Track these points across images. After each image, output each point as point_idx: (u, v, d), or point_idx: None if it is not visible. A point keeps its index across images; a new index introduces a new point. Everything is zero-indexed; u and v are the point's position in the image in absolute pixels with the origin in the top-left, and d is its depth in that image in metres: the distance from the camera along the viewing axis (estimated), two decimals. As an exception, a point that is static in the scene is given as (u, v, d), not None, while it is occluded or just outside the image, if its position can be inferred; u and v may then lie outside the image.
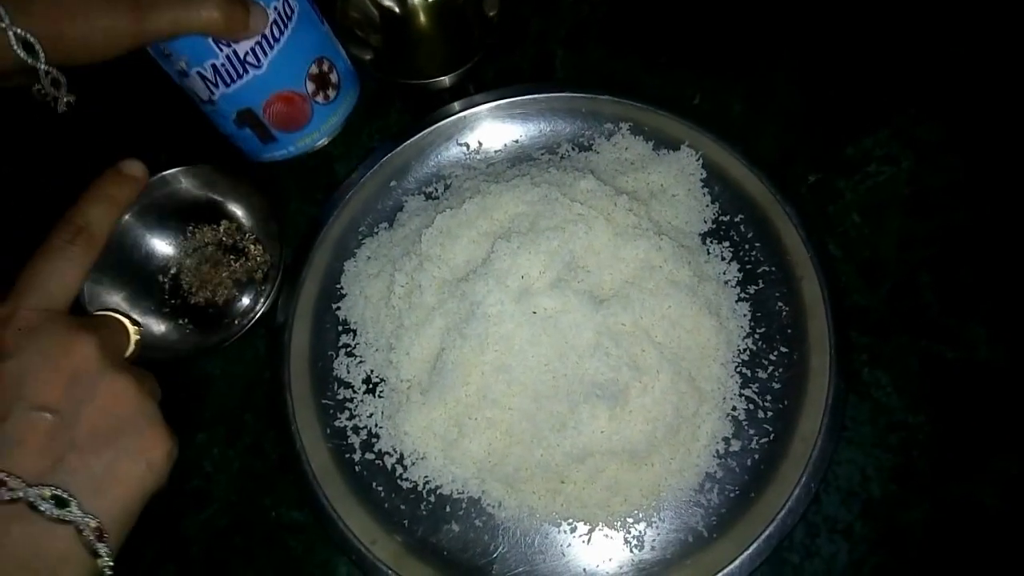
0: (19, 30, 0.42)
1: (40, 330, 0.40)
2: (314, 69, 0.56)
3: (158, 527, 0.56)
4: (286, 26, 0.53)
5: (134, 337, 0.46)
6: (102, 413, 0.40)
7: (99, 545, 0.38)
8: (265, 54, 0.52)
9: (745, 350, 0.55)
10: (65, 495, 0.37)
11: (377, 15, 0.63)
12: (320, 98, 0.57)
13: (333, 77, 0.58)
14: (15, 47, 0.43)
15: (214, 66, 0.51)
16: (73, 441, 0.38)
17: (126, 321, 0.46)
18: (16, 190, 0.68)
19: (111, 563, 0.38)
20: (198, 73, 0.51)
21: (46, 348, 0.39)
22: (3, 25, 0.42)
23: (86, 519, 0.37)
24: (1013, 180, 0.60)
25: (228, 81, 0.52)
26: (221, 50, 0.51)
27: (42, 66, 0.44)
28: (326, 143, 0.60)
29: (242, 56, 0.51)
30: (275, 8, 0.51)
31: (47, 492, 0.37)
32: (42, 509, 0.36)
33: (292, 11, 0.53)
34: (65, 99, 0.47)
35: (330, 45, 0.58)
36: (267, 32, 0.51)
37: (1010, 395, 0.54)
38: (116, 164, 0.47)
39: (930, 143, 0.61)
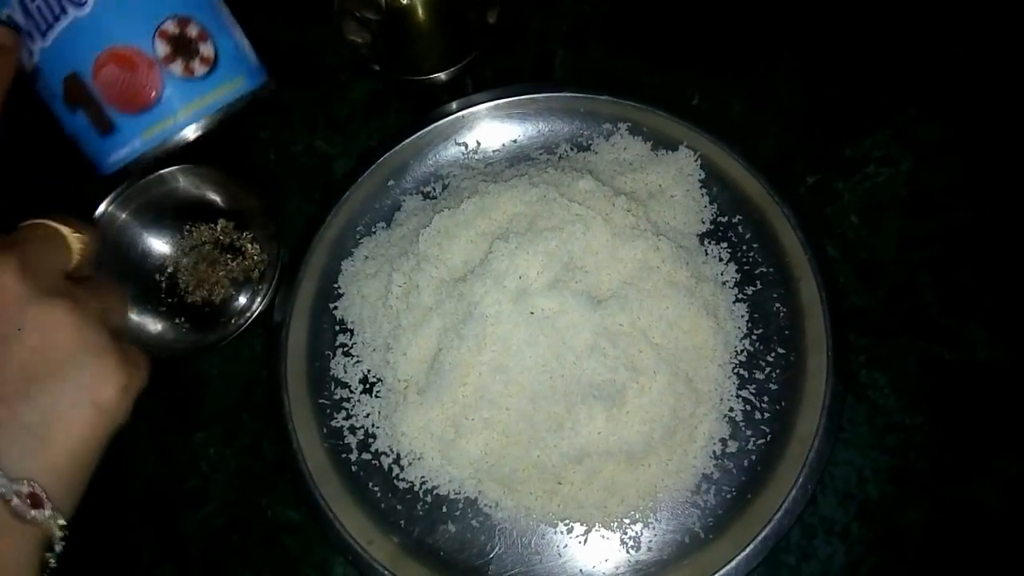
0: None
1: None
2: (170, 27, 0.42)
3: (155, 526, 0.56)
4: None
5: (75, 245, 0.37)
6: (31, 352, 0.33)
7: (33, 512, 0.32)
8: None
9: (743, 351, 0.55)
10: None
11: (383, 0, 0.63)
12: (177, 68, 0.42)
13: (205, 48, 0.44)
14: None
15: (23, 4, 0.39)
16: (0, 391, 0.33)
17: (62, 228, 0.37)
18: None
19: (61, 522, 0.34)
20: (8, 18, 0.39)
21: None
22: None
23: (13, 486, 0.32)
24: (1012, 181, 0.60)
25: (43, 27, 0.39)
26: None
27: None
28: (192, 137, 0.44)
29: None
30: None
31: None
32: None
33: None
34: None
35: (208, 9, 0.45)
36: None
37: (1009, 396, 0.54)
38: None
39: (929, 144, 0.61)
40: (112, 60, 0.41)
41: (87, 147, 0.45)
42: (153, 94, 0.43)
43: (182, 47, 0.43)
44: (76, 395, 0.34)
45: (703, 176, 0.60)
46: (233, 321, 0.58)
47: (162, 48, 0.42)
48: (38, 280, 0.34)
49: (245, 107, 0.45)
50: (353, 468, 0.54)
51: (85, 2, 0.39)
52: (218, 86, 0.45)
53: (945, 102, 0.63)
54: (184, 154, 0.58)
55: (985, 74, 0.63)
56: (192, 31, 0.43)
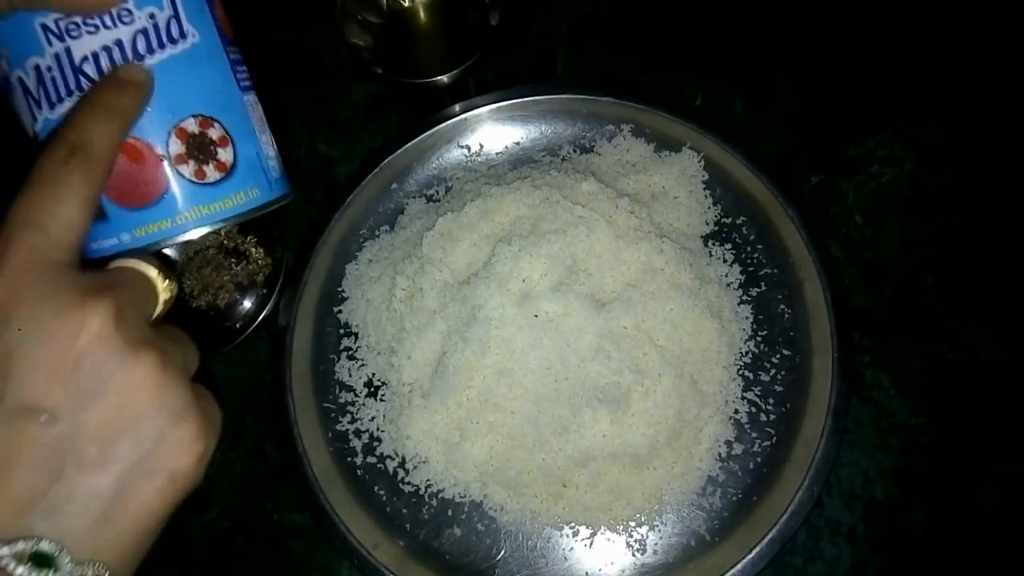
0: None
1: (33, 293, 0.29)
2: (190, 125, 0.38)
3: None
4: (161, 47, 0.37)
5: (163, 295, 0.34)
6: (113, 411, 0.30)
7: None
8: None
9: (747, 353, 0.55)
10: (52, 548, 0.28)
11: (385, 2, 0.63)
12: (188, 170, 0.38)
13: (223, 153, 0.40)
14: None
15: (38, 70, 0.36)
16: (75, 453, 0.29)
17: (151, 272, 0.34)
18: None
19: None
20: (19, 81, 0.36)
21: (41, 320, 0.29)
22: None
23: (79, 570, 0.28)
24: (1015, 181, 0.60)
25: (53, 99, 0.36)
26: (51, 43, 0.35)
27: None
28: (185, 240, 0.38)
29: (77, 61, 0.35)
30: (150, 13, 0.36)
31: (25, 548, 0.27)
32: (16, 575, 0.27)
33: (182, 35, 0.38)
34: None
35: (238, 114, 0.41)
36: (126, 39, 0.36)
37: (1012, 396, 0.54)
38: (113, 71, 0.36)
39: (932, 144, 0.61)
40: (120, 149, 0.36)
41: None
42: (155, 193, 0.38)
43: (198, 149, 0.39)
44: (153, 464, 0.31)
45: (706, 177, 0.59)
46: (238, 325, 0.58)
47: (176, 147, 0.38)
48: (131, 330, 0.31)
49: (256, 216, 0.41)
50: (358, 472, 0.54)
51: None
52: (229, 195, 0.40)
53: (947, 102, 0.63)
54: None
55: (987, 74, 0.63)
56: (213, 134, 0.39)
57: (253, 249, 0.61)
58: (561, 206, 0.54)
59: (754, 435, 0.53)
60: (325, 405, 0.56)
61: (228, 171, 0.40)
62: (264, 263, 0.60)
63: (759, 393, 0.54)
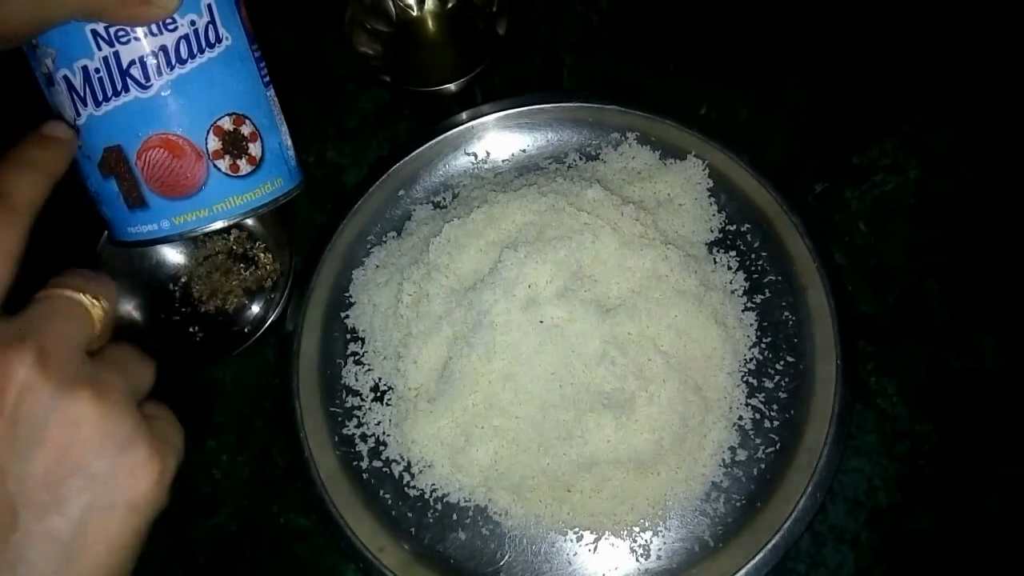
0: None
1: None
2: (226, 123, 0.41)
3: (166, 532, 0.56)
4: (201, 51, 0.40)
5: (97, 314, 0.33)
6: (56, 454, 0.29)
7: None
8: (159, 73, 0.38)
9: (751, 359, 0.55)
10: None
11: (393, 11, 0.63)
12: (224, 164, 0.42)
13: (254, 148, 0.43)
14: None
15: (85, 70, 0.38)
16: (27, 501, 0.29)
17: (83, 298, 0.33)
18: None
19: None
20: (65, 78, 0.38)
21: None
22: None
23: None
24: (1020, 188, 0.60)
25: (100, 98, 0.39)
26: (100, 47, 0.37)
27: None
28: (219, 228, 0.43)
29: (124, 64, 0.38)
30: (191, 20, 0.38)
31: None
32: None
33: (218, 39, 0.40)
34: None
35: (264, 109, 0.44)
36: (170, 45, 0.38)
37: (1017, 404, 0.54)
38: (39, 128, 0.37)
39: (937, 152, 0.61)
40: (161, 144, 0.40)
41: (109, 212, 0.43)
42: (194, 185, 0.42)
43: (232, 144, 0.42)
44: (109, 496, 0.30)
45: (711, 185, 0.60)
46: (246, 330, 0.59)
47: (213, 143, 0.41)
48: (59, 369, 0.30)
49: (278, 205, 0.45)
50: (364, 476, 0.55)
51: (150, 86, 0.39)
52: (258, 185, 0.44)
53: (952, 110, 0.63)
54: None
55: (992, 82, 0.64)
56: (245, 130, 0.43)
57: (262, 255, 0.62)
58: (567, 213, 0.54)
59: (758, 441, 0.53)
60: (332, 409, 0.57)
61: (257, 164, 0.43)
62: (272, 268, 0.61)
63: (763, 399, 0.54)
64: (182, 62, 0.39)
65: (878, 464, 0.54)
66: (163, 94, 0.39)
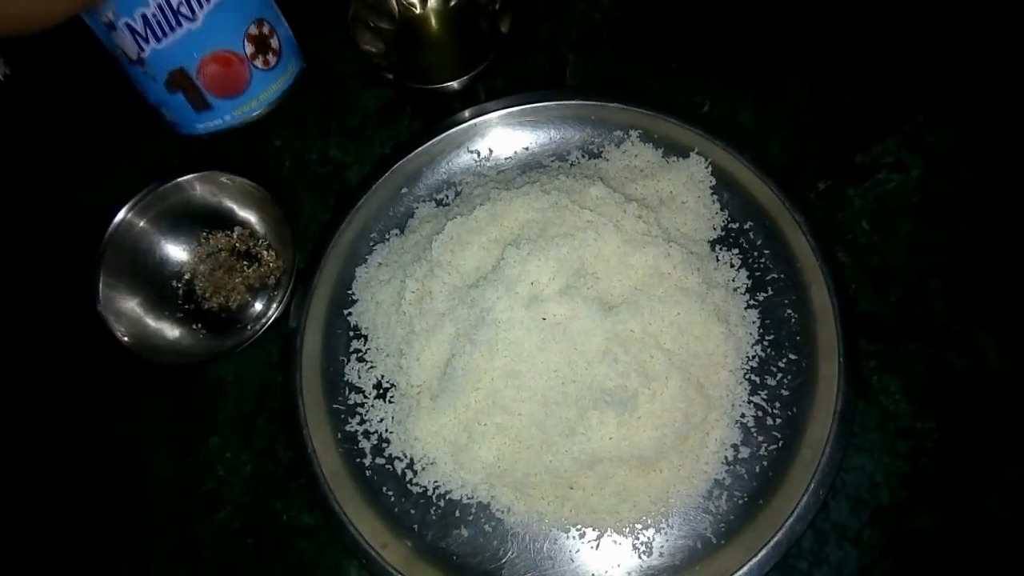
0: None
1: None
2: (253, 29, 0.54)
3: (170, 529, 0.56)
4: None
5: None
6: None
7: None
8: (200, 6, 0.50)
9: (754, 357, 0.55)
10: None
11: (396, 9, 0.63)
12: (259, 62, 0.55)
13: (273, 42, 0.56)
14: None
15: (144, 17, 0.49)
16: None
17: None
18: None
19: None
20: (127, 25, 0.49)
21: None
22: None
23: None
24: (1021, 188, 0.60)
25: (159, 35, 0.50)
26: None
27: None
28: (263, 114, 0.58)
29: (175, 6, 0.49)
30: None
31: None
32: None
33: None
34: (1, 71, 0.45)
35: (270, 8, 0.56)
36: None
37: (1019, 402, 0.54)
38: None
39: (940, 150, 0.61)
40: (214, 60, 0.53)
41: (179, 116, 0.56)
42: (243, 85, 0.56)
43: (261, 44, 0.55)
44: None
45: (714, 183, 0.60)
46: (249, 327, 0.59)
47: (249, 48, 0.54)
48: None
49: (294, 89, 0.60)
50: (367, 472, 0.55)
51: (196, 17, 0.50)
52: (282, 73, 0.58)
53: (955, 109, 0.63)
54: (200, 162, 0.60)
55: (995, 81, 0.63)
56: (265, 29, 0.55)
57: (265, 252, 0.62)
58: (569, 210, 0.54)
59: (760, 439, 0.53)
60: (335, 406, 0.57)
61: (279, 55, 0.57)
62: (275, 266, 0.61)
63: (765, 397, 0.54)
64: None
65: (880, 462, 0.54)
66: (207, 22, 0.50)
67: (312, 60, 0.68)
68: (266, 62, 0.56)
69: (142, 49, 0.50)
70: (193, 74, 0.53)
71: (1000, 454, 0.53)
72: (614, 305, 0.52)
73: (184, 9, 0.49)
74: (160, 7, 0.49)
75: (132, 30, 0.49)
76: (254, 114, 0.57)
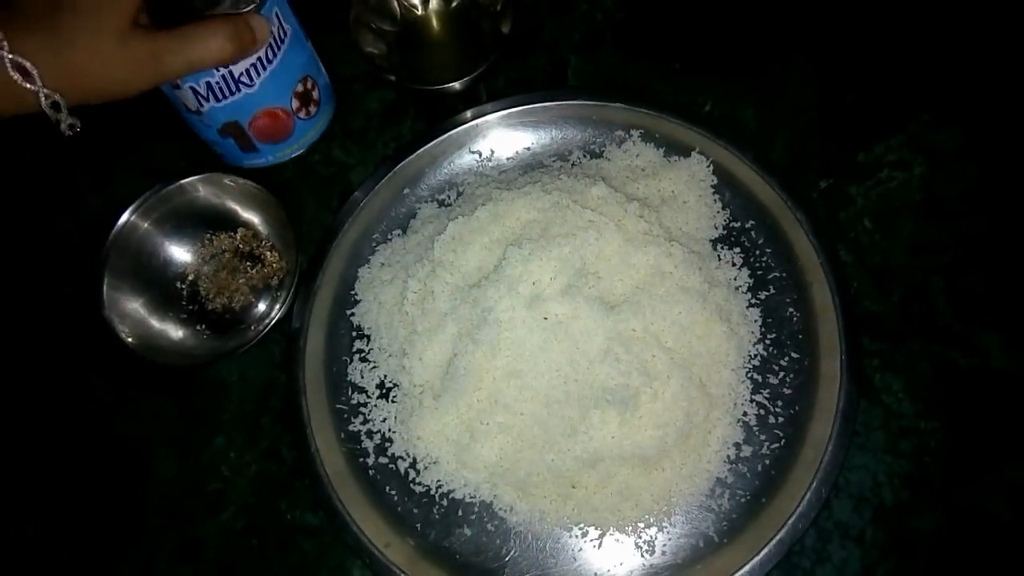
0: (10, 56, 0.42)
1: None
2: (299, 87, 0.58)
3: (174, 529, 0.57)
4: (279, 48, 0.55)
5: None
6: None
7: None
8: (259, 74, 0.54)
9: (756, 356, 0.55)
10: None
11: (398, 11, 0.64)
12: (303, 114, 0.60)
13: (315, 94, 0.61)
14: (9, 71, 0.42)
15: (208, 83, 0.53)
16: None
17: None
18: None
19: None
20: (191, 88, 0.53)
21: None
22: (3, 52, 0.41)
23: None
24: (1026, 186, 0.60)
25: (220, 97, 0.54)
26: (218, 70, 0.52)
27: (40, 90, 0.43)
28: (302, 152, 0.64)
29: (237, 76, 0.53)
30: (272, 32, 0.53)
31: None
32: None
33: (285, 34, 0.55)
34: (68, 122, 0.45)
35: (314, 64, 0.61)
36: (262, 55, 0.53)
37: (1023, 402, 0.54)
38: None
39: (943, 149, 0.61)
40: (265, 115, 0.58)
41: (227, 153, 0.61)
42: (287, 134, 0.61)
43: (304, 99, 0.60)
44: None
45: (715, 182, 0.60)
46: (252, 328, 0.59)
47: (295, 103, 0.59)
48: None
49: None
50: (370, 472, 0.55)
51: (254, 84, 0.54)
52: (320, 119, 0.63)
53: (958, 108, 0.63)
54: (203, 164, 0.60)
55: (998, 80, 0.63)
56: (309, 84, 0.60)
57: (268, 253, 0.62)
58: (571, 210, 0.55)
59: (763, 437, 0.53)
60: (338, 406, 0.57)
61: (319, 105, 0.62)
62: (279, 267, 0.61)
63: (768, 396, 0.54)
64: (270, 62, 0.54)
65: (883, 461, 0.54)
66: (263, 86, 0.55)
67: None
68: (308, 113, 0.61)
69: (201, 105, 0.54)
70: (245, 126, 0.57)
71: (1003, 454, 0.53)
72: (616, 304, 0.53)
73: (245, 78, 0.53)
74: (224, 77, 0.52)
75: (195, 92, 0.53)
76: (293, 154, 0.63)
